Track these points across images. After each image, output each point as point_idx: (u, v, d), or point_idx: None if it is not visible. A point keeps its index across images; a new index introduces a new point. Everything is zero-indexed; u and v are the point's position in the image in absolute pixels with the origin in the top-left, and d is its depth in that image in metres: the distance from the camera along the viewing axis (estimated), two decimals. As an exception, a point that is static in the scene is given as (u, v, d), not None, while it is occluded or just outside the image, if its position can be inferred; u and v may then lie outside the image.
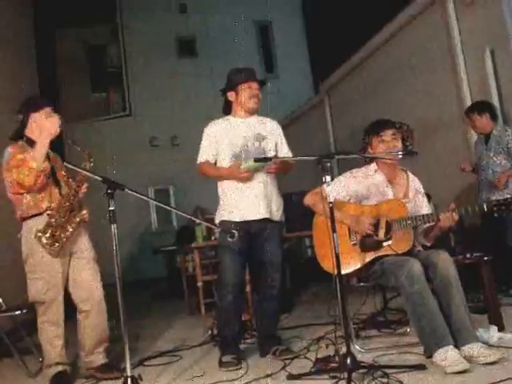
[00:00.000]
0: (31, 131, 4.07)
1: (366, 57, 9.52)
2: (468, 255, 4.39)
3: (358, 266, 3.84)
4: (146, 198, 3.64)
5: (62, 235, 3.92)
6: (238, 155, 4.21)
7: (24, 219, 4.01)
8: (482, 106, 5.80)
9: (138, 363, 4.35)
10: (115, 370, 4.04)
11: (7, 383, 4.38)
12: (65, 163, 3.97)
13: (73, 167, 3.66)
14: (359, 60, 9.78)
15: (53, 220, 3.91)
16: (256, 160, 3.81)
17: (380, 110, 8.37)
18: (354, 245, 3.88)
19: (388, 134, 3.98)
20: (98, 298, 4.13)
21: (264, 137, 4.28)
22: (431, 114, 7.60)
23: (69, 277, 4.09)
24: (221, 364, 4.06)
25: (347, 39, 10.63)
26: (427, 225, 3.89)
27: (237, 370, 3.94)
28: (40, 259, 3.95)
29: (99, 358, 4.14)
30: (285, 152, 4.34)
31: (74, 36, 15.76)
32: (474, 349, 3.37)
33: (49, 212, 3.94)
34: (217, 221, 4.29)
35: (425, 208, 4.04)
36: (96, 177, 3.46)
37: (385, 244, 3.80)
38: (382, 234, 3.81)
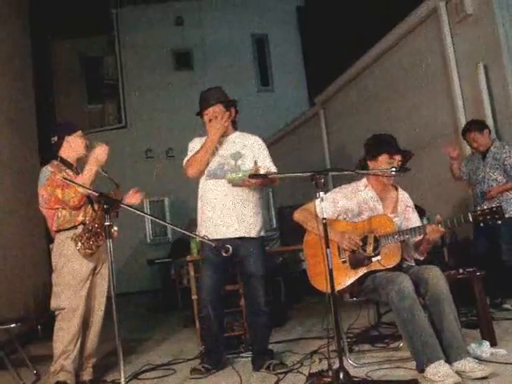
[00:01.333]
0: (65, 152, 4.31)
1: (361, 71, 9.57)
2: (461, 270, 4.41)
3: (349, 282, 3.86)
4: (140, 213, 3.66)
5: (95, 243, 4.06)
6: (213, 172, 4.30)
7: (59, 231, 4.14)
8: (481, 124, 5.90)
9: (132, 377, 4.35)
10: None
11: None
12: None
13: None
14: (354, 74, 9.83)
15: (89, 228, 4.07)
16: (251, 176, 3.85)
17: (375, 124, 8.43)
18: (344, 262, 3.90)
19: (398, 159, 3.98)
20: (101, 315, 4.29)
21: (241, 155, 4.32)
22: (425, 129, 7.65)
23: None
24: (191, 370, 4.26)
25: (342, 53, 10.71)
26: (416, 238, 3.92)
27: (201, 378, 4.15)
28: (71, 268, 4.07)
29: (87, 373, 4.26)
30: (267, 167, 4.34)
31: (70, 48, 15.83)
32: (465, 364, 3.38)
33: (84, 223, 4.12)
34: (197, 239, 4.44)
35: (415, 222, 4.05)
36: (92, 192, 3.53)
37: (374, 259, 3.82)
38: (370, 249, 3.84)
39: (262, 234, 4.43)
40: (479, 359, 3.64)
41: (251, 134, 4.54)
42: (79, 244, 4.03)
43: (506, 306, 5.31)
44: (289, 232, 6.37)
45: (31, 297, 7.57)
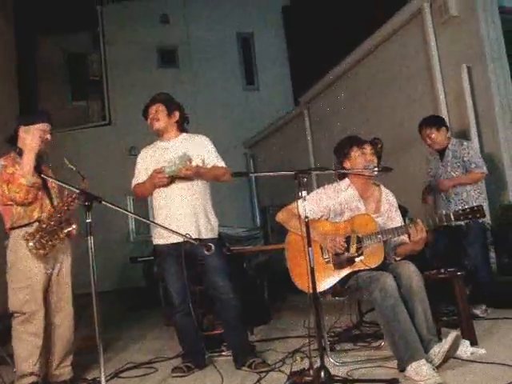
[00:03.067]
0: (21, 143, 4.14)
1: (346, 70, 9.61)
2: (442, 270, 4.43)
3: (333, 282, 3.88)
4: (122, 210, 3.62)
5: (50, 243, 3.93)
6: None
7: (13, 228, 4.01)
8: (439, 121, 5.65)
9: (114, 375, 4.34)
10: None
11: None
12: (52, 180, 4.06)
13: (59, 183, 3.85)
14: (339, 73, 9.85)
15: (43, 226, 3.93)
16: (234, 175, 3.85)
17: (359, 123, 8.47)
18: (327, 262, 3.92)
19: (369, 149, 4.06)
20: (68, 313, 4.22)
21: (189, 156, 4.29)
22: (408, 129, 7.65)
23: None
24: (172, 369, 4.30)
25: (327, 52, 10.73)
26: (399, 240, 3.94)
27: (183, 376, 4.18)
28: (24, 268, 3.96)
29: (67, 372, 4.22)
30: (214, 162, 4.39)
31: (55, 44, 15.72)
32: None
33: (40, 219, 3.99)
34: (153, 242, 4.44)
35: (397, 222, 4.08)
36: (73, 189, 3.49)
37: (357, 260, 3.84)
38: (353, 249, 3.86)
39: (214, 235, 4.40)
40: (460, 359, 3.68)
41: (196, 134, 4.57)
42: (30, 243, 3.89)
43: (476, 311, 5.18)
44: (272, 231, 6.40)
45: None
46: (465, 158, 5.38)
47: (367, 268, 3.78)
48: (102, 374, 3.17)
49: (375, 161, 4.07)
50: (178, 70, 15.80)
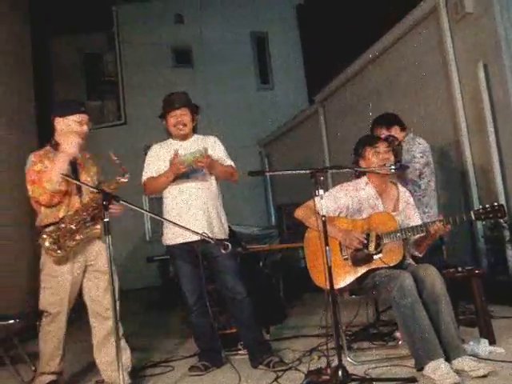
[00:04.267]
0: (59, 137, 3.95)
1: (361, 69, 9.57)
2: (459, 268, 4.41)
3: (351, 280, 3.87)
4: (139, 210, 3.63)
5: (68, 243, 3.74)
6: (177, 178, 4.33)
7: (42, 227, 3.83)
8: (389, 119, 5.27)
9: (131, 373, 4.35)
10: None
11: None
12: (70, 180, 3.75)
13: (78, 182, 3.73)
14: (354, 72, 9.82)
15: (62, 226, 3.76)
16: (250, 174, 3.85)
17: (374, 122, 8.42)
18: (346, 259, 3.91)
19: (382, 147, 4.05)
20: (107, 315, 3.90)
21: (206, 148, 4.30)
22: (424, 127, 7.62)
23: (83, 290, 3.98)
24: (190, 368, 4.30)
25: (342, 51, 10.70)
26: (418, 236, 3.93)
27: (200, 375, 4.18)
28: (50, 268, 3.86)
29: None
30: (227, 162, 4.44)
31: (70, 44, 15.81)
32: (463, 363, 3.40)
33: (63, 219, 3.79)
34: (164, 243, 4.44)
35: (415, 219, 4.08)
36: (91, 188, 3.49)
37: (376, 257, 3.83)
38: (372, 247, 3.84)
39: (225, 235, 4.44)
40: (477, 357, 3.65)
41: (208, 135, 4.59)
42: (46, 243, 3.74)
43: None
44: (288, 229, 6.40)
45: (29, 293, 7.57)
46: (412, 152, 4.94)
47: (385, 266, 3.77)
48: (121, 372, 3.18)
49: (391, 159, 4.05)
50: (192, 70, 15.83)
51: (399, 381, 3.37)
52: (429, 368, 3.35)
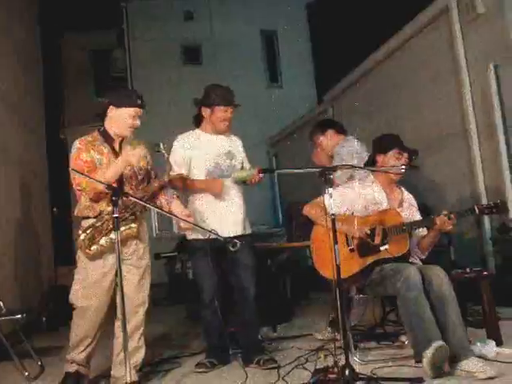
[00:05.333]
0: (107, 123, 3.90)
1: (371, 68, 9.54)
2: (467, 270, 4.40)
3: (356, 270, 3.90)
4: (146, 206, 3.62)
5: (102, 241, 3.68)
6: (211, 172, 4.34)
7: (81, 219, 3.78)
8: (323, 124, 5.37)
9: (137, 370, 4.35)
10: None
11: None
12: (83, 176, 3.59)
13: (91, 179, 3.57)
14: (364, 71, 9.79)
15: (99, 224, 3.68)
16: (260, 171, 3.86)
17: (384, 121, 8.42)
18: (352, 250, 3.93)
19: (406, 156, 4.08)
20: (137, 313, 3.93)
21: (233, 155, 4.43)
22: (434, 128, 7.62)
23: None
24: (196, 364, 4.31)
25: (352, 50, 10.68)
26: (419, 234, 3.96)
27: (206, 372, 4.19)
28: (83, 263, 3.80)
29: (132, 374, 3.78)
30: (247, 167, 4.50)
31: (80, 41, 15.84)
32: (471, 364, 3.39)
33: (100, 214, 3.70)
34: (188, 237, 4.40)
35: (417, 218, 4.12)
36: (100, 185, 3.47)
37: (381, 248, 3.84)
38: (378, 240, 3.87)
39: (250, 231, 4.50)
40: (485, 359, 3.64)
41: (234, 136, 4.61)
42: (81, 238, 3.67)
43: None
44: (295, 229, 6.38)
45: (36, 288, 7.61)
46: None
47: (392, 257, 3.78)
48: (127, 367, 3.19)
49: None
50: (201, 67, 15.82)
51: (406, 381, 3.36)
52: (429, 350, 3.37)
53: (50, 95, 10.13)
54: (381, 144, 4.19)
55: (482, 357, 3.66)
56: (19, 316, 4.60)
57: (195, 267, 4.48)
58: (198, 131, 4.52)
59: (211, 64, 15.52)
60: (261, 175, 4.19)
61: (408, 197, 4.22)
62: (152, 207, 3.74)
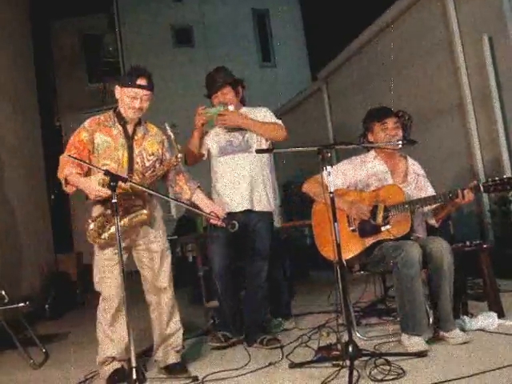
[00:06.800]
0: (119, 105, 3.76)
1: (364, 44, 9.50)
2: (467, 243, 4.40)
3: (358, 251, 3.89)
4: (144, 190, 3.59)
5: (113, 229, 3.50)
6: (224, 148, 4.35)
7: (93, 204, 3.65)
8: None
9: (141, 354, 4.36)
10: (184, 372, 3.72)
11: (11, 374, 4.37)
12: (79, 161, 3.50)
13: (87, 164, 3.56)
14: (357, 48, 9.75)
15: (108, 212, 3.54)
16: (258, 151, 3.85)
17: (378, 98, 8.38)
18: (353, 231, 3.92)
19: (391, 122, 4.04)
20: (163, 297, 3.81)
21: (246, 130, 4.34)
22: (430, 102, 7.60)
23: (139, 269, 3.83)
24: (210, 338, 4.35)
25: (345, 27, 10.63)
26: (431, 207, 3.94)
27: (220, 346, 4.24)
28: (96, 252, 3.68)
29: (169, 357, 3.81)
30: (274, 120, 4.43)
31: (70, 26, 15.73)
32: (451, 334, 3.59)
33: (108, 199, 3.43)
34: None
35: (428, 190, 4.07)
36: (98, 169, 3.45)
37: (383, 229, 3.82)
38: (380, 219, 3.84)
39: (269, 208, 4.41)
40: (487, 331, 3.73)
41: (256, 107, 4.53)
42: (91, 226, 3.53)
43: None
44: (293, 208, 6.39)
45: (36, 276, 7.61)
46: None
47: (393, 238, 3.78)
48: (132, 352, 3.19)
49: (399, 134, 4.03)
50: (193, 49, 15.74)
51: (409, 355, 3.38)
52: (405, 336, 3.56)
53: (43, 82, 10.06)
54: (364, 123, 4.19)
55: (484, 329, 3.76)
56: (22, 304, 4.60)
57: (210, 239, 4.41)
58: None
59: (203, 45, 15.46)
60: (222, 118, 4.21)
61: (413, 167, 4.16)
62: (155, 194, 3.64)
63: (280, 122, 4.42)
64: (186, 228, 8.10)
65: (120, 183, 3.33)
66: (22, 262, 6.89)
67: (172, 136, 3.67)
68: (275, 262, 4.82)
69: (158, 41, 15.40)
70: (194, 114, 4.31)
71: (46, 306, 6.94)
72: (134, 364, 3.17)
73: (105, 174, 3.27)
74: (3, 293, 4.84)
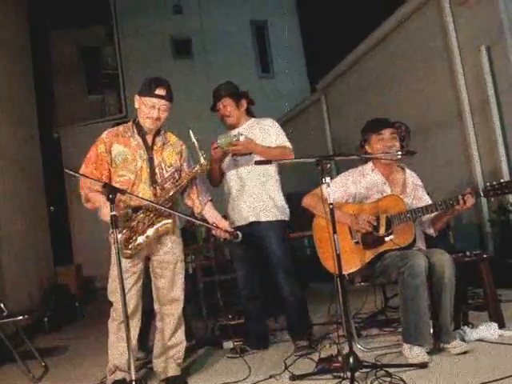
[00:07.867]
0: (138, 115, 3.75)
1: (362, 55, 9.52)
2: (468, 253, 4.39)
3: (363, 264, 3.87)
4: (146, 201, 3.58)
5: (140, 240, 3.54)
6: (228, 165, 4.46)
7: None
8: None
9: (142, 366, 4.35)
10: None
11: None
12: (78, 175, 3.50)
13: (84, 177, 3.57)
14: (355, 58, 9.77)
15: (133, 223, 3.56)
16: (257, 163, 3.84)
17: (377, 108, 8.40)
18: (357, 243, 3.90)
19: (387, 133, 4.03)
20: (173, 307, 3.81)
21: (241, 135, 4.35)
22: (428, 112, 7.61)
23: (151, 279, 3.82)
24: (231, 349, 4.49)
25: (343, 38, 10.64)
26: (432, 214, 3.92)
27: (236, 357, 4.29)
28: (113, 261, 3.63)
29: (169, 370, 3.80)
30: (281, 143, 4.44)
31: (69, 38, 15.74)
32: (451, 345, 3.60)
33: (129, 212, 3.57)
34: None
35: (425, 200, 4.05)
36: (97, 182, 3.45)
37: (387, 239, 3.81)
38: (382, 230, 3.83)
39: (279, 217, 4.41)
40: (487, 341, 3.71)
41: (264, 118, 4.61)
42: (119, 238, 3.34)
43: None
44: (294, 218, 6.35)
45: (36, 289, 7.60)
46: None
47: (397, 247, 3.77)
48: (132, 364, 3.16)
49: (396, 145, 4.01)
50: (192, 60, 15.78)
51: (410, 366, 3.37)
52: (407, 346, 3.54)
53: (42, 93, 10.08)
54: (361, 134, 4.19)
55: (484, 339, 3.75)
56: (20, 317, 4.59)
57: (231, 257, 4.62)
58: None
59: (202, 57, 15.50)
60: (233, 148, 4.24)
61: (411, 178, 4.15)
62: (160, 207, 3.55)
63: (288, 144, 4.46)
64: (185, 240, 8.09)
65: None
66: (22, 275, 6.87)
67: (196, 143, 3.67)
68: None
69: (157, 52, 15.43)
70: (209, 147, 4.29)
71: (45, 318, 6.92)
72: (133, 377, 3.14)
73: (103, 187, 3.27)
74: (2, 305, 4.84)
